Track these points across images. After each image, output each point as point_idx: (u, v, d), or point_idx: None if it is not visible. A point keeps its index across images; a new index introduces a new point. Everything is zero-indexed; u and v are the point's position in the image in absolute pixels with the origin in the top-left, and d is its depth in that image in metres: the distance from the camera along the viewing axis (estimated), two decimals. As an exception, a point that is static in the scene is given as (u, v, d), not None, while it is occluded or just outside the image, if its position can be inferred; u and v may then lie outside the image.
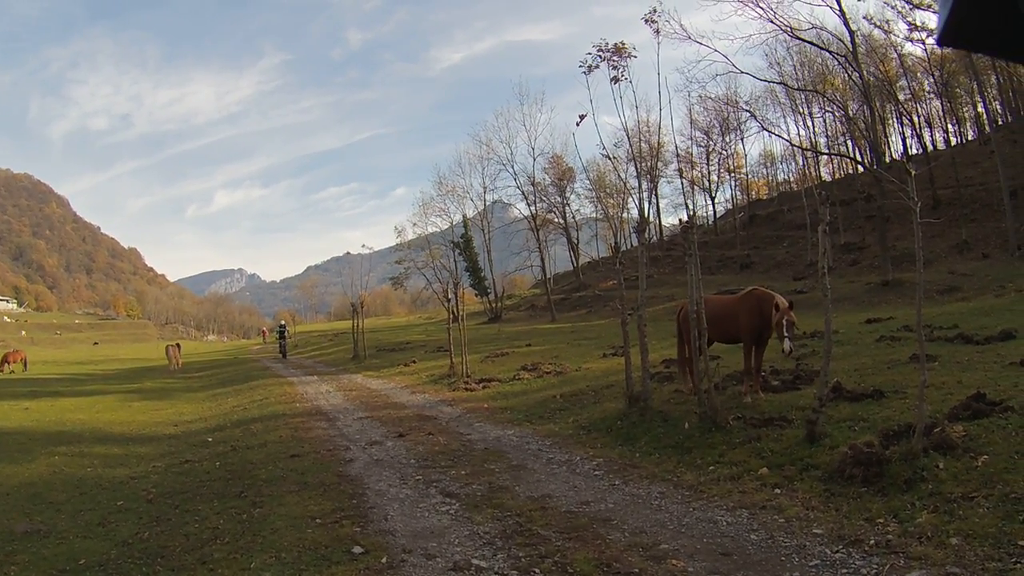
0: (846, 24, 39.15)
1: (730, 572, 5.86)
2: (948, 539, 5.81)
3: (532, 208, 69.97)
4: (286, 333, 53.55)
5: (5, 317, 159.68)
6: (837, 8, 38.90)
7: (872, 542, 6.06)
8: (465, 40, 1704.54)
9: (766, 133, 67.29)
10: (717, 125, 70.07)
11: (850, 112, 52.13)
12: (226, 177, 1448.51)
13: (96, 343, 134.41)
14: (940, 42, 1.39)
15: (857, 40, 40.20)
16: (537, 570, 6.20)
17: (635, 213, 69.95)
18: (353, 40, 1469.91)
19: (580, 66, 45.66)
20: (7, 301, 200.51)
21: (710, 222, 77.27)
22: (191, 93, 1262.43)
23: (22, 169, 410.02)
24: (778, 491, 7.72)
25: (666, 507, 7.80)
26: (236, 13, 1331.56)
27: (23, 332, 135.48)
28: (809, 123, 69.30)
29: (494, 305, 68.29)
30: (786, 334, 11.32)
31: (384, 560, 6.73)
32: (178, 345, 46.18)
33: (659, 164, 69.01)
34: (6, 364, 43.23)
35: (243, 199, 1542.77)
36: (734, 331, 12.46)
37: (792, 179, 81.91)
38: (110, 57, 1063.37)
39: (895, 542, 5.97)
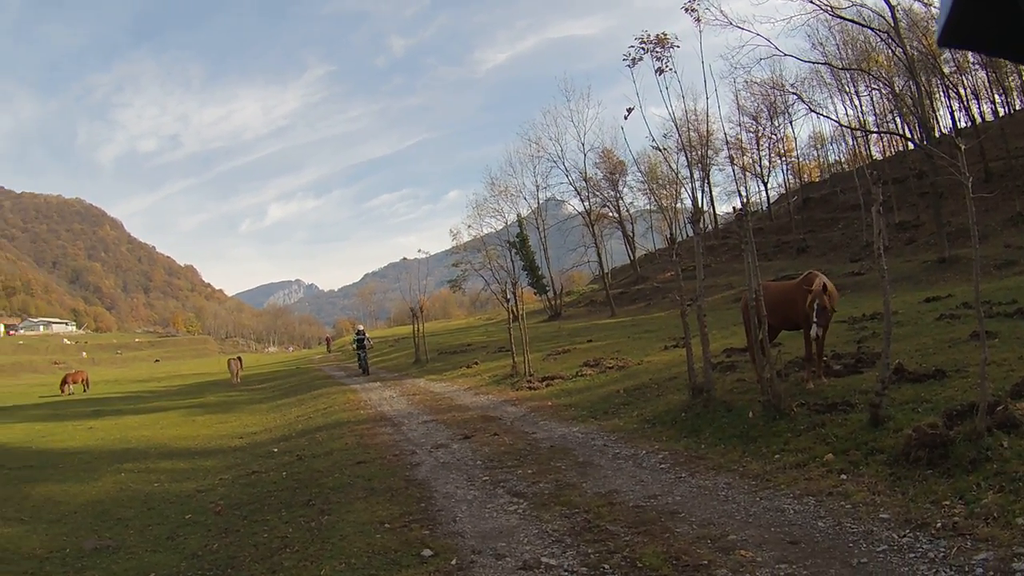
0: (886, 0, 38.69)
1: (798, 560, 5.86)
2: (1015, 519, 5.76)
3: (586, 203, 69.89)
4: (367, 342, 38.41)
5: (65, 339, 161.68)
6: (875, -17, 38.52)
7: (939, 525, 6.03)
8: (508, 40, 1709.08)
9: (814, 115, 66.57)
10: (765, 109, 69.07)
11: (896, 88, 51.34)
12: (278, 190, 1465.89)
13: (157, 360, 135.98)
14: (941, 42, 1.39)
15: (898, 15, 39.62)
16: (607, 566, 6.23)
17: (689, 203, 69.58)
18: (396, 47, 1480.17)
19: (624, 59, 45.02)
20: (66, 324, 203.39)
21: (764, 208, 76.28)
22: (238, 110, 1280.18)
23: (74, 194, 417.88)
24: (844, 477, 7.68)
25: (733, 497, 7.80)
26: (276, 28, 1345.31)
27: (84, 353, 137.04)
28: (856, 102, 68.36)
29: (553, 303, 68.33)
30: (815, 320, 11.27)
31: (454, 562, 6.81)
32: (239, 358, 46.52)
33: (710, 152, 68.28)
34: (68, 385, 43.86)
35: (297, 211, 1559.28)
36: (794, 317, 12.38)
37: (843, 160, 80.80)
38: (154, 79, 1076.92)
39: (961, 524, 5.92)
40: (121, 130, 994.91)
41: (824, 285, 11.46)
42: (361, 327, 43.20)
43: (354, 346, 40.43)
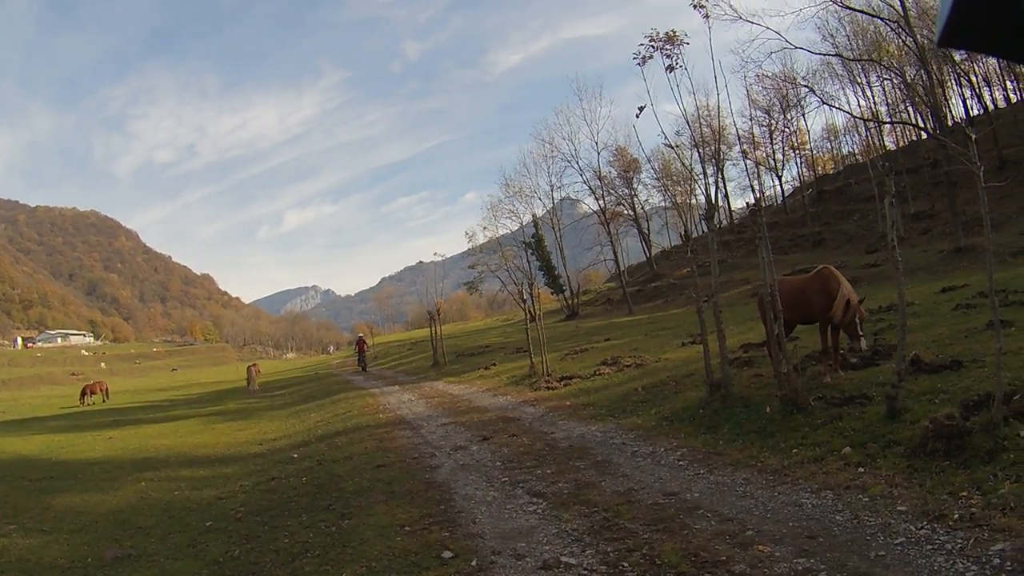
0: (895, -12, 38.60)
1: (816, 555, 5.87)
2: (1031, 509, 5.75)
3: (600, 202, 70.33)
4: None
5: (83, 351, 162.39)
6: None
7: (956, 516, 6.03)
8: (521, 41, 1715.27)
9: (827, 107, 66.41)
10: (777, 103, 68.78)
11: (908, 78, 51.25)
12: (295, 197, 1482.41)
13: (175, 369, 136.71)
14: (940, 43, 1.40)
15: (907, 4, 39.55)
16: (626, 564, 6.25)
17: (703, 199, 69.58)
18: (410, 51, 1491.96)
19: (634, 58, 44.72)
20: (84, 335, 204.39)
21: (779, 201, 76.43)
22: (254, 118, 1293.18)
23: (88, 207, 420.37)
24: (861, 470, 7.69)
25: (751, 493, 7.82)
26: (290, 36, 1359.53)
27: (102, 364, 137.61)
28: (868, 93, 68.42)
29: (570, 302, 68.46)
30: (860, 332, 11.28)
31: (474, 563, 6.83)
32: (255, 365, 46.74)
33: (723, 148, 68.11)
34: (87, 396, 44.06)
35: (314, 216, 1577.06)
36: (809, 312, 12.40)
37: (857, 151, 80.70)
38: (170, 90, 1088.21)
39: (979, 515, 5.92)
40: (137, 141, 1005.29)
41: (848, 299, 11.40)
42: None
43: None
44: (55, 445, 22.35)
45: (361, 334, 57.98)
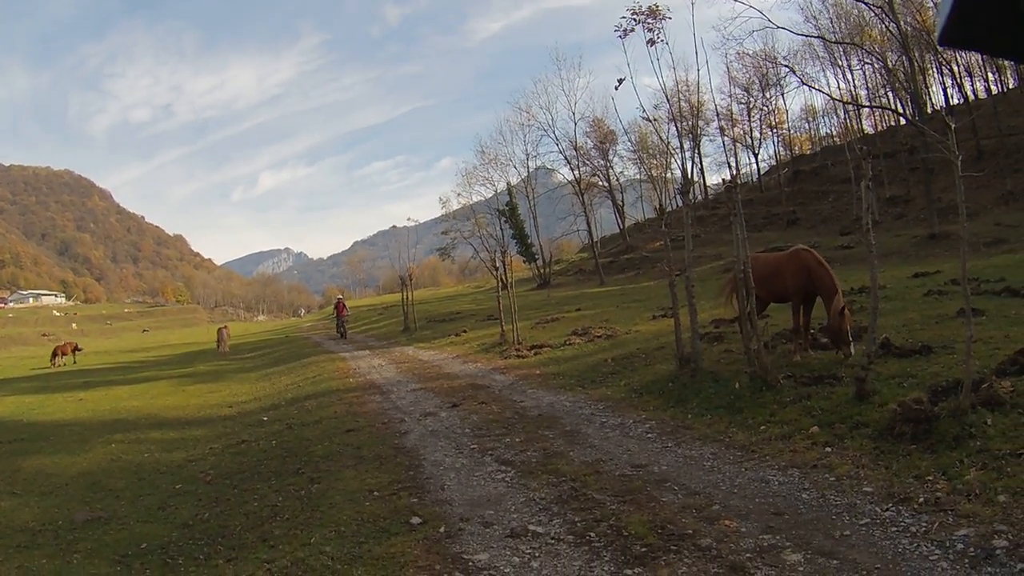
0: (880, -27, 38.59)
1: (782, 531, 5.91)
2: (996, 496, 5.80)
3: (575, 172, 70.22)
4: None
5: (54, 311, 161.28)
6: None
7: (921, 500, 6.07)
8: (503, 8, 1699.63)
9: (806, 88, 66.49)
10: (757, 81, 68.72)
11: (889, 64, 51.44)
12: (271, 158, 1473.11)
13: (146, 330, 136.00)
14: (941, 42, 1.41)
15: (893, -11, 39.62)
16: (593, 534, 6.27)
17: (679, 173, 69.62)
18: (391, 15, 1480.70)
19: (615, 30, 44.66)
20: (55, 296, 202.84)
21: (754, 179, 76.45)
22: (231, 79, 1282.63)
23: (62, 166, 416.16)
24: (829, 449, 7.73)
25: (718, 468, 7.85)
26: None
27: (73, 324, 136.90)
28: (849, 76, 68.43)
29: (542, 271, 68.34)
30: (849, 339, 11.27)
31: (442, 529, 6.85)
32: (226, 327, 46.46)
33: (700, 123, 68.56)
34: (58, 356, 43.80)
35: (288, 179, 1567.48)
36: (781, 290, 12.43)
37: (835, 133, 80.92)
38: (148, 49, 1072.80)
39: (944, 500, 5.97)
40: (114, 100, 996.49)
41: (843, 309, 11.35)
42: None
43: None
44: (26, 407, 22.26)
45: (340, 296, 57.39)
